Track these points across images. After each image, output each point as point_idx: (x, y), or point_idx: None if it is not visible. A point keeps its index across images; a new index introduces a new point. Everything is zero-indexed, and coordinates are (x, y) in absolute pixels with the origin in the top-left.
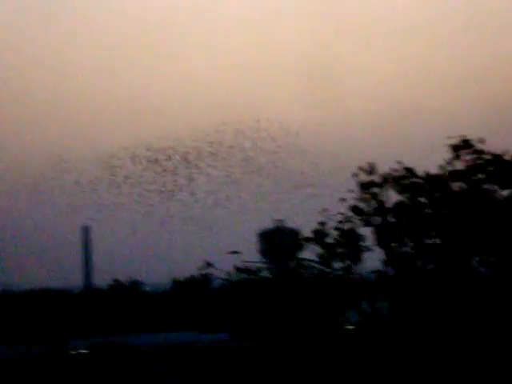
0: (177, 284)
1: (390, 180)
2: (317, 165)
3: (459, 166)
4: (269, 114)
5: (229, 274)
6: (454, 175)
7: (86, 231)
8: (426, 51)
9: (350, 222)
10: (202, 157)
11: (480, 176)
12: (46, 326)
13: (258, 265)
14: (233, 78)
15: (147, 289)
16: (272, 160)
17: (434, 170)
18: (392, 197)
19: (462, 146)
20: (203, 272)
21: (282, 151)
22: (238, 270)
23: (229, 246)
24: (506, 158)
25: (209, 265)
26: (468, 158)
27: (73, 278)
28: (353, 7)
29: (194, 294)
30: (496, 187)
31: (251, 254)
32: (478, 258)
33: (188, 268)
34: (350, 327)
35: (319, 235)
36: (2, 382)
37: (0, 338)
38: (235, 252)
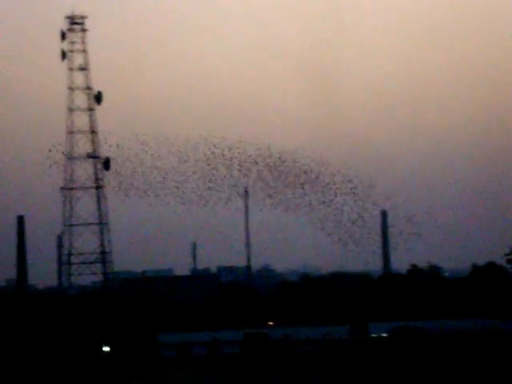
0: (476, 270)
1: None
2: None
3: None
4: None
5: None
6: None
7: (384, 216)
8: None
9: None
10: None
11: None
12: (346, 309)
13: None
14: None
15: (446, 274)
16: None
17: None
18: None
19: None
20: (507, 258)
21: None
22: None
23: None
24: None
25: None
26: None
27: (374, 263)
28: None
29: (494, 281)
30: None
31: None
32: None
33: (488, 253)
34: None
35: None
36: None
37: (304, 320)
38: None
